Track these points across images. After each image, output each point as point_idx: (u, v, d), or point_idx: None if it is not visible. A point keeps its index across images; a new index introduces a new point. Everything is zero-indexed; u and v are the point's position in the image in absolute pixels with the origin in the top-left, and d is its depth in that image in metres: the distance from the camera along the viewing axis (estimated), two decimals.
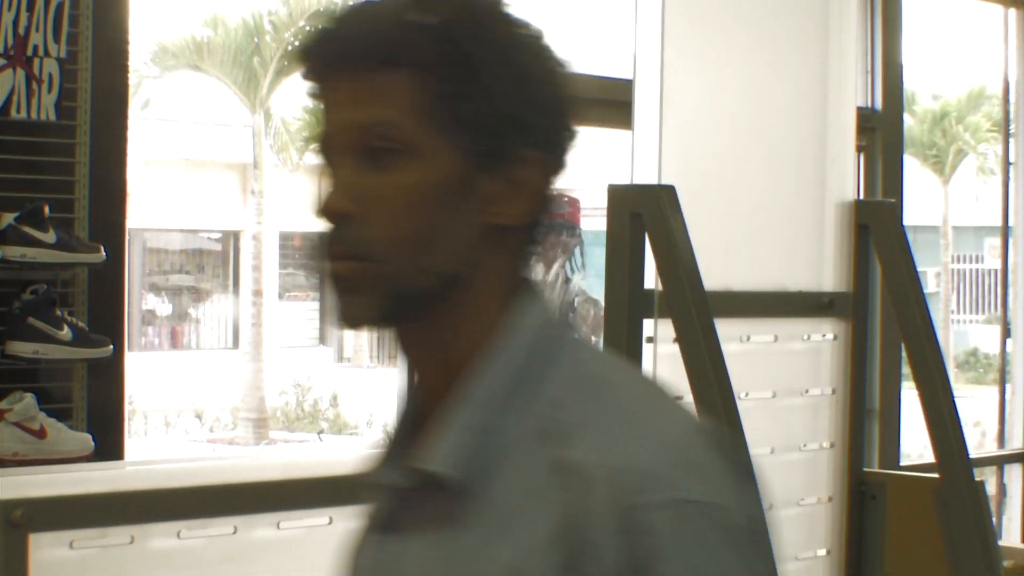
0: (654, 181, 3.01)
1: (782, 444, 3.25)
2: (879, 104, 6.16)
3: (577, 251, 5.53)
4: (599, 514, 1.29)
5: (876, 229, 3.33)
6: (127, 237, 4.26)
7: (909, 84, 6.61)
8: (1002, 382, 7.05)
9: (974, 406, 17.11)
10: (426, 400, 1.42)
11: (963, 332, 24.78)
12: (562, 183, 1.43)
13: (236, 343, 22.57)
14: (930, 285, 22.73)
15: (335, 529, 2.52)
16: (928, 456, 3.40)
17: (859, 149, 3.97)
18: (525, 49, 1.40)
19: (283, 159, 21.50)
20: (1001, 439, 7.19)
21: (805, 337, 3.29)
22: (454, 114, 1.36)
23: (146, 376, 17.18)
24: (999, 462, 7.01)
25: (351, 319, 1.39)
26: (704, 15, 3.15)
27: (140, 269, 22.58)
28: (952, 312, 23.97)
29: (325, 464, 2.54)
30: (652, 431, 1.34)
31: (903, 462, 6.31)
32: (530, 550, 1.31)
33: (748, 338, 3.19)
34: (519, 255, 1.42)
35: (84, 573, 2.26)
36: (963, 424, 3.23)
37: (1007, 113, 7.15)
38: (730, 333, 3.08)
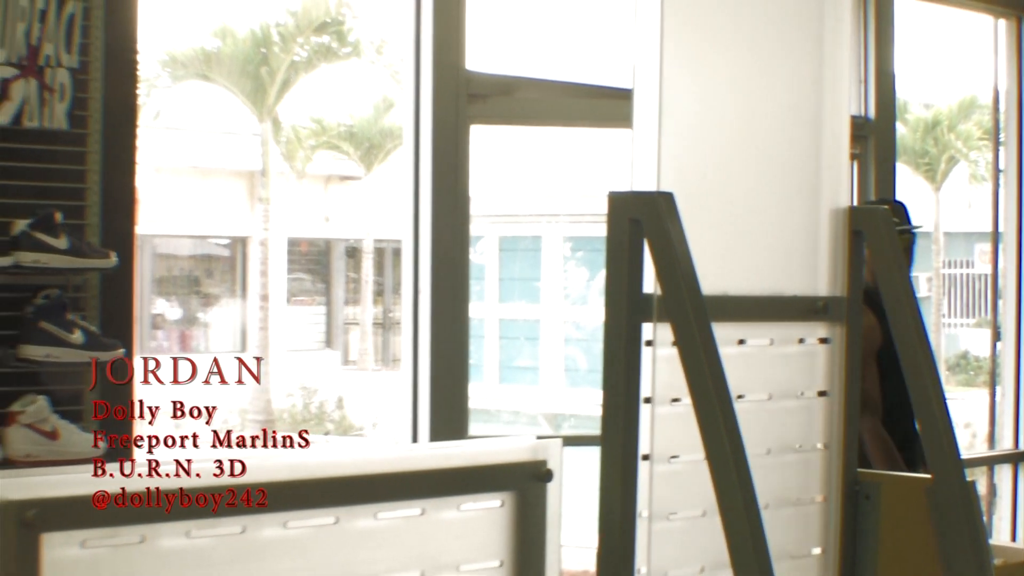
0: (653, 188, 3.04)
1: (778, 445, 3.28)
2: (872, 113, 6.21)
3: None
4: None
5: (870, 235, 3.36)
6: (137, 243, 4.31)
7: (901, 93, 6.66)
8: (992, 384, 7.09)
9: (965, 408, 17.06)
10: None
11: (954, 335, 24.74)
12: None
13: (244, 347, 22.60)
14: (922, 290, 22.70)
15: (341, 528, 2.54)
16: None
17: (853, 157, 4.00)
18: None
19: (292, 166, 21.55)
20: (991, 440, 7.22)
21: (799, 340, 3.31)
22: None
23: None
24: (989, 463, 7.05)
25: None
26: (701, 25, 3.18)
27: (150, 274, 22.61)
28: (943, 316, 23.97)
29: (332, 465, 2.56)
30: None
31: None
32: None
33: (744, 341, 3.22)
34: None
35: (95, 572, 2.28)
36: (954, 426, 3.25)
37: (997, 121, 7.18)
38: (727, 336, 3.10)
